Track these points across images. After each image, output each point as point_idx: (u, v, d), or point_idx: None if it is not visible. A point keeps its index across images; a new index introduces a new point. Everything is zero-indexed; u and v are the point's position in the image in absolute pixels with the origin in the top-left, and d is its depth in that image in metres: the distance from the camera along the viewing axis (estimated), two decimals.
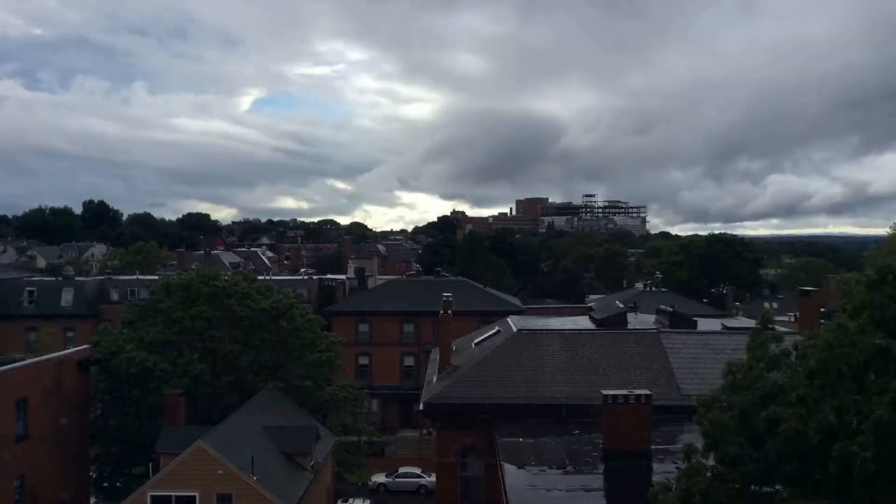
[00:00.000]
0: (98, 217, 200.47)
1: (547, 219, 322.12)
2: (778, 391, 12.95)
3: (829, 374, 12.11)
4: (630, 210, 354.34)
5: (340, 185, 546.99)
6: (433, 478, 47.22)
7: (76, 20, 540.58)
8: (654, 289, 76.33)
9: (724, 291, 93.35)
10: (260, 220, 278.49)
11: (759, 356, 14.20)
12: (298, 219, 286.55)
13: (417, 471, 51.42)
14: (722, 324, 34.74)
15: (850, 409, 11.62)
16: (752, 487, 13.12)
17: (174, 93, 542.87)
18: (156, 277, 61.11)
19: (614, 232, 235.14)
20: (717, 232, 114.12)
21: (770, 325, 14.94)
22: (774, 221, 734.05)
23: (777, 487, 12.85)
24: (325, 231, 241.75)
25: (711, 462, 13.73)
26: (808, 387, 12.32)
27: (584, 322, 35.54)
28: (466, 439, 27.72)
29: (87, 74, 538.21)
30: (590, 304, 63.34)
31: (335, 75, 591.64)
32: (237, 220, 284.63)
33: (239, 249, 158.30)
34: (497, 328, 35.28)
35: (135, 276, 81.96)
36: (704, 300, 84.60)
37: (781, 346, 14.27)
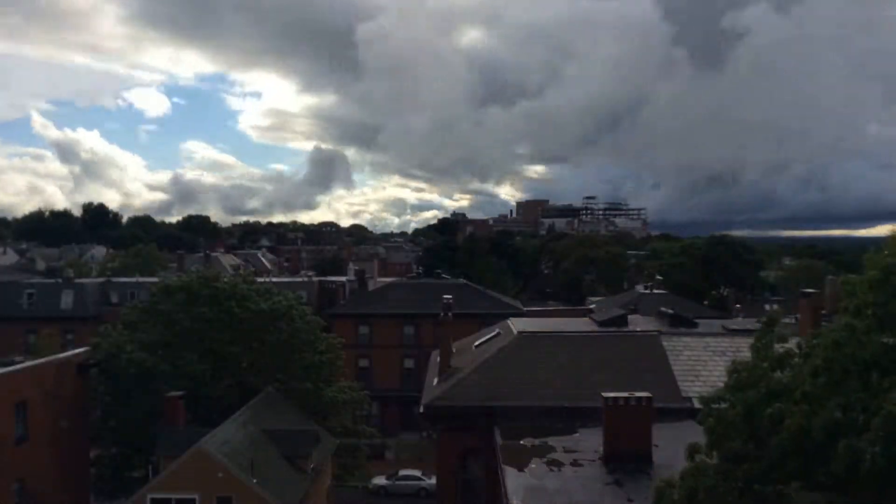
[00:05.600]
0: (98, 219, 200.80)
1: (547, 221, 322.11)
2: (783, 389, 12.95)
3: (834, 372, 12.12)
4: (630, 212, 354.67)
5: None
6: (433, 480, 47.01)
7: None
8: (654, 291, 76.20)
9: (725, 293, 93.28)
10: (259, 223, 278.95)
11: (763, 356, 14.19)
12: (298, 220, 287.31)
13: (418, 473, 51.33)
14: (722, 325, 34.67)
15: (855, 406, 11.63)
16: (756, 485, 13.09)
17: None
18: (155, 279, 61.09)
19: (615, 234, 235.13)
20: (717, 234, 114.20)
21: (775, 326, 14.91)
22: None
23: (780, 487, 12.83)
24: (325, 233, 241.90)
25: (715, 460, 13.71)
26: (813, 384, 12.32)
27: (584, 324, 35.47)
28: (467, 442, 27.64)
29: None
30: (590, 306, 63.31)
31: None
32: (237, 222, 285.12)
33: (239, 252, 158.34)
34: (497, 330, 35.23)
35: (135, 279, 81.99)
36: (705, 302, 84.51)
37: (786, 346, 14.26)
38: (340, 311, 70.12)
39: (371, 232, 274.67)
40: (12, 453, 30.48)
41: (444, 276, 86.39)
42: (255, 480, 27.66)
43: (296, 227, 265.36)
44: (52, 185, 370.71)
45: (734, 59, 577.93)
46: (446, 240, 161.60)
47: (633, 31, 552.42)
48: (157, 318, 39.74)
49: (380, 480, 50.31)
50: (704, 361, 28.71)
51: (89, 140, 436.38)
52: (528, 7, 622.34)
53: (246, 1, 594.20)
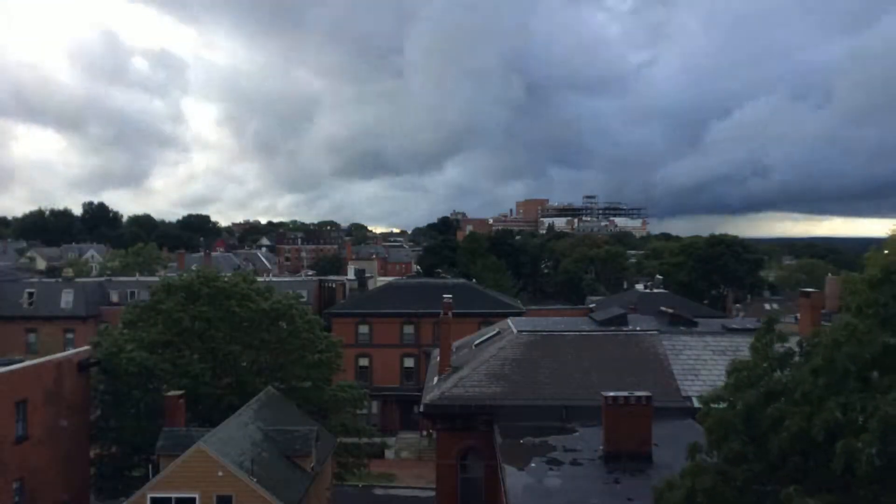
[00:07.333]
0: (98, 218, 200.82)
1: (547, 220, 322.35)
2: (783, 389, 12.95)
3: (834, 372, 12.11)
4: (630, 212, 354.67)
5: None
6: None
7: None
8: (654, 290, 76.30)
9: (724, 293, 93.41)
10: (260, 222, 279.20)
11: (764, 356, 14.18)
12: (298, 220, 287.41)
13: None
14: (722, 325, 34.69)
15: (854, 406, 11.62)
16: (755, 485, 13.10)
17: None
18: (155, 279, 61.12)
19: (614, 233, 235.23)
20: (717, 233, 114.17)
21: (775, 326, 14.90)
22: None
23: (779, 487, 12.83)
24: (325, 233, 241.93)
25: (715, 460, 13.71)
26: (813, 384, 12.32)
27: (584, 324, 35.47)
28: (467, 441, 27.65)
29: None
30: (590, 306, 63.36)
31: None
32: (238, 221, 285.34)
33: (239, 251, 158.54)
34: (497, 329, 35.25)
35: (135, 278, 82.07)
36: (705, 301, 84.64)
37: (786, 345, 14.25)
38: (340, 311, 70.10)
39: (371, 231, 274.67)
40: (12, 452, 30.47)
41: (444, 275, 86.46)
42: (254, 479, 27.66)
43: (296, 226, 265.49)
44: None
45: None
46: (446, 239, 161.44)
47: None
48: (157, 317, 39.73)
49: None
50: (704, 361, 28.74)
51: None
52: None
53: None
